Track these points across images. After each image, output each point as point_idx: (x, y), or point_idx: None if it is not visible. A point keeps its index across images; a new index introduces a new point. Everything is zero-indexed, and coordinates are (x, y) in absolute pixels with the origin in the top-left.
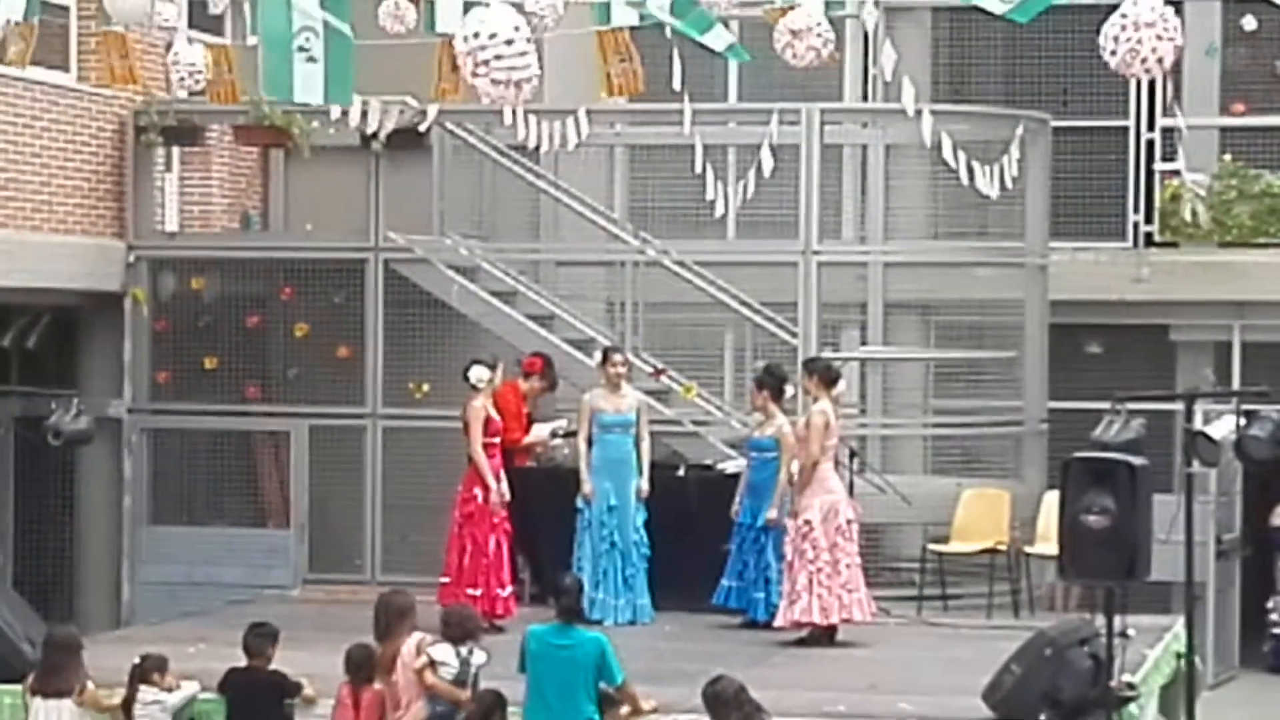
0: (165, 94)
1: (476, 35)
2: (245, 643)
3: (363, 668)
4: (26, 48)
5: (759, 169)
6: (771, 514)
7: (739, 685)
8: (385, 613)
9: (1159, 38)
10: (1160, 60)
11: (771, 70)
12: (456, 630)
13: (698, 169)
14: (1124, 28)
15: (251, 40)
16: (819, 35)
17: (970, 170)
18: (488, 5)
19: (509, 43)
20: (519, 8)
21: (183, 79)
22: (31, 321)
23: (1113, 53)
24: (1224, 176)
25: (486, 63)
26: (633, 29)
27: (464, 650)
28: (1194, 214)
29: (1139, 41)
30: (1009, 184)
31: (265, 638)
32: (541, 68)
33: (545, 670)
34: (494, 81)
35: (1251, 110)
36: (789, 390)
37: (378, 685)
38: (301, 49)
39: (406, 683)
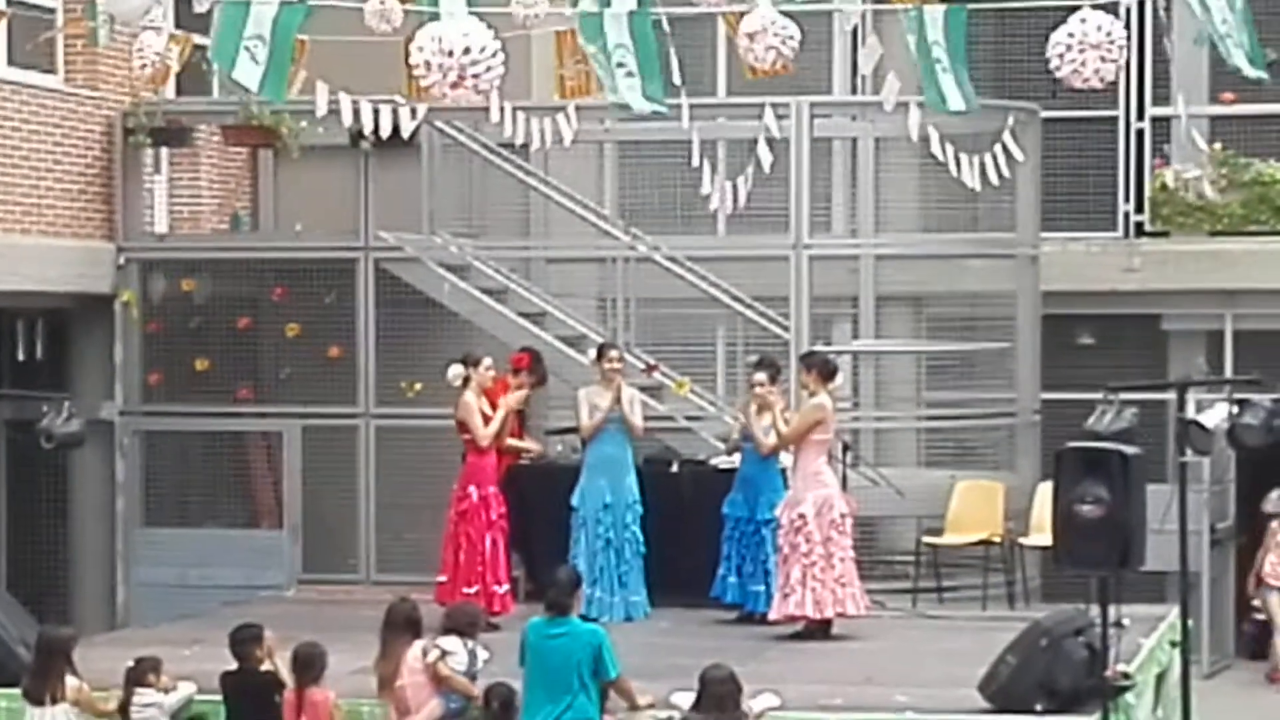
0: (153, 95)
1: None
2: (231, 650)
3: (310, 667)
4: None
5: (758, 163)
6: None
7: (730, 672)
8: (389, 623)
9: (1102, 59)
10: (1102, 79)
11: None
12: (461, 623)
13: (694, 164)
14: (1069, 46)
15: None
16: (775, 35)
17: (958, 163)
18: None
19: (427, 65)
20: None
21: (145, 65)
22: (28, 326)
23: (1057, 67)
24: (1214, 165)
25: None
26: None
27: (469, 644)
28: (1199, 194)
29: (1083, 63)
30: (1005, 174)
31: (249, 641)
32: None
33: (541, 661)
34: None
35: (1241, 99)
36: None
37: (392, 691)
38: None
39: (415, 686)
